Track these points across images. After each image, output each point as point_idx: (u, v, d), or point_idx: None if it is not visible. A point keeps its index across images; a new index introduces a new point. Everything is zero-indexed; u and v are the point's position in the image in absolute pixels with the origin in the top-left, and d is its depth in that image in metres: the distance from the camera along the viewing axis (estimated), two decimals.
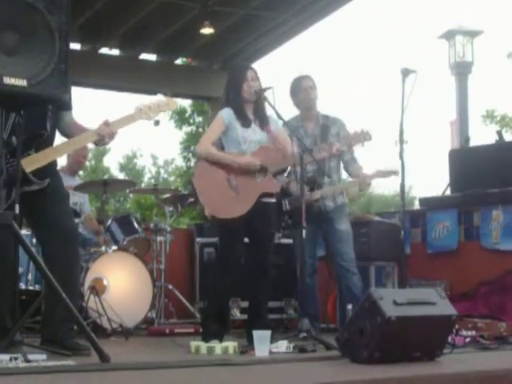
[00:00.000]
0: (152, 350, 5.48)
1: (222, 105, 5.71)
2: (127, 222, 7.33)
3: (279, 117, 5.57)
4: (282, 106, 5.59)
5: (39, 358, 3.94)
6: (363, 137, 5.84)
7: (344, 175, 6.71)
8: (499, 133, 7.75)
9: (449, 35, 13.78)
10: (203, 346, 4.85)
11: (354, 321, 4.25)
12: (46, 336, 4.72)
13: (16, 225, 4.01)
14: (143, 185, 35.79)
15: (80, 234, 6.31)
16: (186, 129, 25.17)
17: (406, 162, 5.98)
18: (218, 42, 10.37)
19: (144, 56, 10.79)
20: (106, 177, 33.41)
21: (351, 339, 4.17)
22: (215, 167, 5.48)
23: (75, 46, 9.94)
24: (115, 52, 10.60)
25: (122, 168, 41.90)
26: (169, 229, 7.54)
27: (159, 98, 5.02)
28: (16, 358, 3.79)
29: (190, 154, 24.00)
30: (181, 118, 24.78)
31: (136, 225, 7.33)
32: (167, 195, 7.86)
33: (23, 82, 3.85)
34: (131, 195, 31.55)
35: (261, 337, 4.59)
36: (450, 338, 4.61)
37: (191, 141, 23.71)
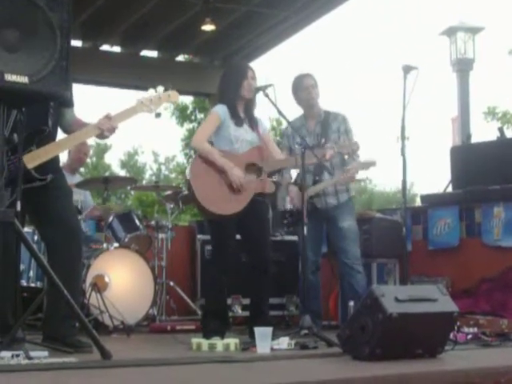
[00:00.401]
0: (153, 347, 5.48)
1: (217, 101, 5.70)
2: (128, 219, 7.33)
3: (281, 114, 5.57)
4: (283, 104, 5.59)
5: (41, 355, 3.94)
6: (351, 147, 5.86)
7: None
8: (501, 129, 7.74)
9: (450, 32, 13.75)
10: (204, 343, 4.86)
11: (356, 318, 4.25)
12: (48, 333, 4.72)
13: (18, 222, 4.01)
14: (144, 182, 35.78)
15: (82, 231, 6.32)
16: (188, 125, 25.19)
17: (407, 158, 6.00)
18: (220, 38, 10.37)
19: (145, 53, 10.80)
20: (107, 174, 33.36)
21: (353, 336, 4.17)
22: (211, 164, 5.48)
23: (76, 42, 9.95)
24: (116, 49, 10.61)
25: (123, 165, 41.91)
26: (170, 226, 7.55)
27: (160, 90, 5.01)
28: (18, 355, 3.80)
29: (192, 151, 24.01)
30: (182, 114, 24.80)
31: (137, 222, 7.33)
32: (168, 192, 7.86)
33: (24, 79, 3.85)
34: (132, 192, 31.58)
35: (262, 334, 4.59)
36: (451, 335, 4.61)
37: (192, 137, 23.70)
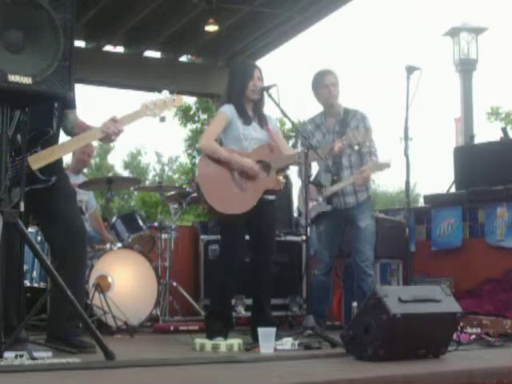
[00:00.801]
0: (157, 348, 5.48)
1: (224, 101, 5.70)
2: (132, 220, 7.34)
3: (284, 114, 5.55)
4: (286, 104, 5.59)
5: (44, 356, 3.95)
6: (359, 137, 5.82)
7: None
8: (504, 130, 7.73)
9: (453, 32, 13.75)
10: (208, 344, 4.86)
11: (359, 318, 4.26)
12: (52, 333, 4.73)
13: (21, 222, 4.01)
14: (148, 182, 35.83)
15: (86, 231, 6.32)
16: (191, 126, 25.20)
17: (410, 159, 6.00)
18: (223, 39, 10.36)
19: (148, 53, 10.79)
20: (110, 174, 33.44)
21: (356, 336, 4.17)
22: (219, 163, 5.47)
23: (80, 43, 9.94)
24: (120, 49, 10.60)
25: (127, 165, 41.98)
26: (173, 226, 7.54)
27: (165, 94, 5.01)
28: (21, 356, 3.81)
29: (195, 152, 24.02)
30: (185, 115, 24.80)
31: (141, 222, 7.33)
32: (172, 192, 7.86)
33: (28, 80, 3.86)
34: (136, 193, 31.62)
35: (266, 334, 4.59)
36: (454, 336, 4.61)
37: (196, 138, 23.73)
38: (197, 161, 5.43)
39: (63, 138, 4.97)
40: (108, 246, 6.86)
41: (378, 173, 6.41)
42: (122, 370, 3.78)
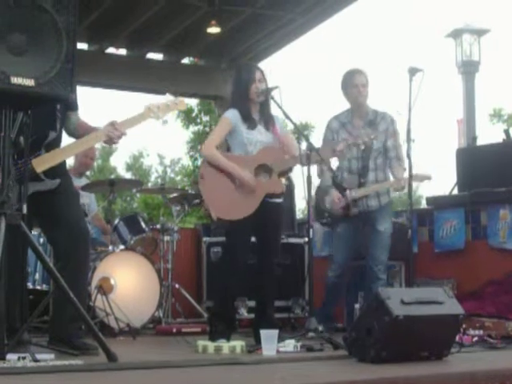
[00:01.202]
0: (159, 350, 5.49)
1: (229, 105, 5.70)
2: (134, 222, 7.35)
3: (286, 116, 5.54)
4: (289, 106, 5.58)
5: (47, 358, 3.95)
6: (367, 138, 5.79)
7: None
8: (506, 131, 7.72)
9: (456, 34, 13.75)
10: (210, 346, 4.86)
11: (362, 320, 4.25)
12: (54, 335, 4.74)
13: (24, 225, 4.02)
14: (150, 184, 35.85)
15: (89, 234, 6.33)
16: (193, 128, 25.19)
17: (413, 160, 6.00)
18: (225, 41, 10.36)
19: (151, 55, 10.78)
20: (112, 176, 33.48)
21: (359, 338, 4.17)
22: (219, 169, 5.47)
23: (82, 45, 9.94)
24: (122, 52, 10.60)
25: (129, 167, 41.98)
26: (176, 228, 7.54)
27: (168, 97, 5.02)
28: (24, 358, 3.81)
29: (197, 154, 24.02)
30: (188, 117, 24.79)
31: (143, 224, 7.34)
32: (174, 195, 7.86)
33: (31, 82, 3.86)
34: (138, 195, 31.63)
35: (268, 336, 4.59)
36: (457, 338, 4.61)
37: (198, 140, 23.74)
38: (199, 163, 5.39)
39: (65, 139, 4.99)
40: (110, 248, 6.87)
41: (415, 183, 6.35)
42: (124, 371, 3.78)
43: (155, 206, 26.48)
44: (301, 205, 19.31)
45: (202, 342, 4.95)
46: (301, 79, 64.15)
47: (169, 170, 40.89)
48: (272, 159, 5.54)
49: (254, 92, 5.54)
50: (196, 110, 24.83)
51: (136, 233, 7.25)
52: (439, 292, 4.37)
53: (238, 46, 10.60)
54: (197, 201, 7.37)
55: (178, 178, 36.15)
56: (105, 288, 6.38)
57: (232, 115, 5.56)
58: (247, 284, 5.64)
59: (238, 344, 4.85)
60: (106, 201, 7.64)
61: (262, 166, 5.53)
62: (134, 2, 9.23)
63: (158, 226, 7.59)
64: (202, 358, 4.61)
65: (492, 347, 5.03)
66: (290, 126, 6.43)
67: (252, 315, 6.02)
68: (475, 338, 5.28)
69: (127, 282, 6.73)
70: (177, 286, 7.51)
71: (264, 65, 10.99)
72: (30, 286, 6.63)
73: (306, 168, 5.34)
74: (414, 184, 6.03)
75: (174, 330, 6.60)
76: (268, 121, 5.65)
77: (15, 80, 3.82)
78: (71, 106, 4.83)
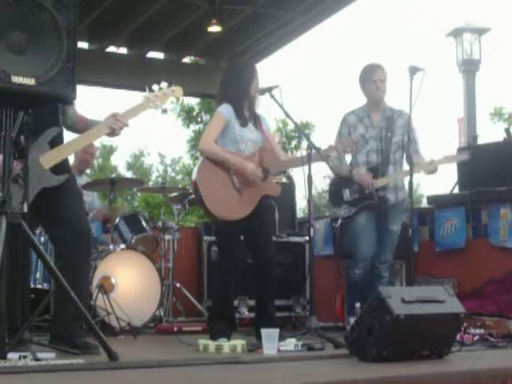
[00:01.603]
0: (160, 349, 5.49)
1: (220, 101, 5.68)
2: (135, 221, 7.34)
3: (287, 115, 5.54)
4: (289, 105, 5.58)
5: (48, 357, 3.95)
6: (354, 145, 5.75)
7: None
8: (507, 130, 7.73)
9: (456, 33, 13.76)
10: (211, 345, 4.86)
11: (363, 319, 4.25)
12: (55, 334, 4.73)
13: (25, 224, 4.01)
14: (151, 183, 35.81)
15: (91, 232, 6.33)
16: (194, 127, 25.23)
17: (413, 159, 6.00)
18: (226, 40, 10.36)
19: (151, 54, 10.79)
20: (113, 175, 33.45)
21: (359, 337, 4.17)
22: (219, 167, 5.45)
23: (83, 44, 9.94)
24: (123, 50, 10.60)
25: (130, 166, 41.96)
26: (176, 227, 7.55)
27: (164, 86, 5.04)
28: (25, 357, 3.81)
29: (198, 153, 24.02)
30: (188, 116, 24.83)
31: (144, 223, 7.34)
32: (175, 193, 7.86)
33: (31, 81, 3.86)
34: (139, 194, 31.62)
35: (269, 335, 4.59)
36: (458, 336, 4.61)
37: (199, 139, 23.73)
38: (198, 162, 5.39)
39: (66, 135, 4.99)
40: (111, 246, 6.87)
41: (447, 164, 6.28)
42: (125, 370, 3.78)
43: (156, 205, 26.50)
44: (301, 204, 19.36)
45: (202, 341, 4.95)
46: (301, 78, 64.12)
47: (169, 169, 40.88)
48: (267, 161, 5.54)
49: (254, 88, 5.56)
50: (197, 109, 24.85)
51: (137, 232, 7.25)
52: (440, 291, 4.37)
53: (238, 45, 10.61)
54: (191, 197, 7.31)
55: (179, 177, 36.16)
56: (106, 287, 6.38)
57: (226, 111, 5.55)
58: (247, 283, 5.64)
59: (238, 343, 4.84)
60: (106, 200, 7.64)
61: (259, 167, 5.53)
62: (134, 0, 9.24)
63: (159, 225, 7.59)
64: (202, 357, 4.61)
65: (493, 346, 5.03)
66: (291, 125, 6.43)
67: (253, 314, 6.02)
68: (476, 337, 5.28)
69: (128, 281, 6.73)
70: (178, 284, 7.51)
71: (264, 64, 11.02)
72: (31, 284, 6.62)
73: (306, 167, 5.33)
74: (415, 183, 6.01)
75: (175, 329, 6.60)
76: (255, 119, 5.67)
77: (16, 79, 3.81)
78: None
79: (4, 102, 3.99)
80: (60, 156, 4.72)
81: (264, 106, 5.75)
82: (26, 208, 4.09)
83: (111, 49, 10.46)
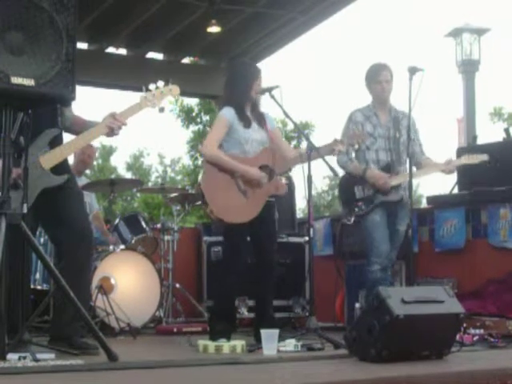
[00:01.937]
0: (160, 349, 5.49)
1: (224, 103, 5.68)
2: (135, 222, 7.35)
3: (286, 115, 5.54)
4: (289, 105, 5.58)
5: (48, 357, 3.96)
6: (360, 137, 5.75)
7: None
8: (507, 130, 7.72)
9: (456, 33, 13.75)
10: (211, 345, 4.85)
11: (362, 319, 4.25)
12: (55, 335, 4.74)
13: (24, 224, 4.01)
14: (150, 184, 35.84)
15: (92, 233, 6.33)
16: (193, 128, 25.20)
17: (413, 159, 6.00)
18: (225, 40, 10.35)
19: (151, 55, 10.78)
20: (113, 176, 33.45)
21: (359, 338, 4.17)
22: (223, 171, 5.44)
23: (82, 45, 9.93)
24: (122, 51, 10.60)
25: (129, 167, 42.00)
26: (176, 228, 7.55)
27: (161, 85, 5.04)
28: (25, 357, 3.81)
29: (197, 153, 24.02)
30: (188, 116, 24.80)
31: (144, 224, 7.34)
32: (174, 194, 7.86)
33: (31, 82, 3.86)
34: (138, 194, 31.64)
35: (269, 335, 4.59)
36: (458, 337, 4.61)
37: (198, 140, 23.74)
38: (200, 163, 5.37)
39: (66, 136, 4.99)
40: (111, 247, 6.87)
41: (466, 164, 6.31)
42: (125, 371, 3.78)
43: (155, 206, 26.51)
44: (301, 204, 19.36)
45: (202, 342, 4.95)
46: (301, 78, 64.15)
47: (169, 170, 40.92)
48: (272, 160, 5.53)
49: (255, 90, 5.55)
50: (196, 110, 24.84)
51: (137, 232, 7.26)
52: (440, 291, 4.37)
53: (238, 45, 10.60)
54: (198, 202, 7.34)
55: (179, 177, 36.18)
56: (105, 288, 6.38)
57: (229, 114, 5.54)
58: (247, 283, 5.64)
59: (238, 343, 4.84)
60: (106, 201, 7.64)
61: (263, 167, 5.52)
62: (133, 1, 9.23)
63: (159, 226, 7.59)
64: (202, 357, 4.62)
65: (493, 346, 5.03)
66: (290, 125, 6.42)
67: (252, 314, 6.01)
68: (476, 337, 5.28)
69: (128, 282, 6.73)
70: (177, 285, 7.51)
71: (264, 64, 11.01)
72: (30, 285, 6.62)
73: (306, 167, 5.32)
74: (415, 183, 6.00)
75: (175, 330, 6.60)
76: (260, 118, 5.65)
77: (15, 80, 3.81)
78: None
79: (3, 102, 3.99)
80: (60, 156, 4.72)
81: (264, 106, 5.76)
82: (25, 209, 4.09)
83: (110, 49, 10.46)
